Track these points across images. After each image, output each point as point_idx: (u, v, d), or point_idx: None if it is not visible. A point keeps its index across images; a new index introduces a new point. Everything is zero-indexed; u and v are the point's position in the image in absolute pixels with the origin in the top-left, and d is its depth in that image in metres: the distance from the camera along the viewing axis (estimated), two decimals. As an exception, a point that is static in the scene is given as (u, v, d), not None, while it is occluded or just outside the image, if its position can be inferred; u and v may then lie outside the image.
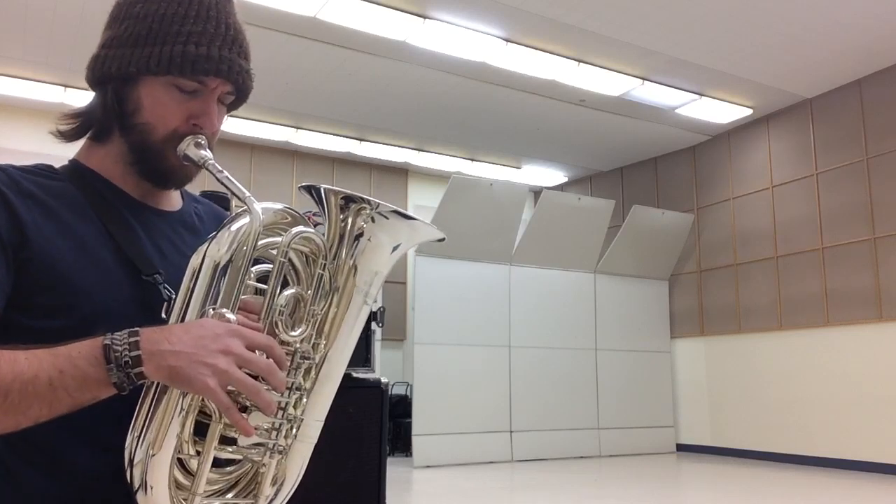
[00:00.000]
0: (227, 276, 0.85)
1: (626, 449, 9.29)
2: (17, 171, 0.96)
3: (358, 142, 10.10)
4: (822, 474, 7.45)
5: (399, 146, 10.36)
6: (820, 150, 8.41)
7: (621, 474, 7.89)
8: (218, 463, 0.84)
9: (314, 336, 0.87)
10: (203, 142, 0.97)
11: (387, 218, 0.87)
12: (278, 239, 0.87)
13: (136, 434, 0.80)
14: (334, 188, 0.89)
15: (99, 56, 0.99)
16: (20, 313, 0.87)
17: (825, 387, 7.97)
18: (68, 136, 1.05)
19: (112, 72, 0.97)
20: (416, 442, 7.98)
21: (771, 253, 8.80)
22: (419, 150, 10.49)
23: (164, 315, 0.88)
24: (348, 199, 0.87)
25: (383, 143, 10.25)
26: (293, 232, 0.87)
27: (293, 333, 0.86)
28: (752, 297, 8.98)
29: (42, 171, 1.00)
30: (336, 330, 0.88)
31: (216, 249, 0.84)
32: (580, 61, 7.53)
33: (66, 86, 8.31)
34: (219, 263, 0.84)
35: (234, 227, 0.86)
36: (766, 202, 8.94)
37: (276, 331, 0.85)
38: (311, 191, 0.90)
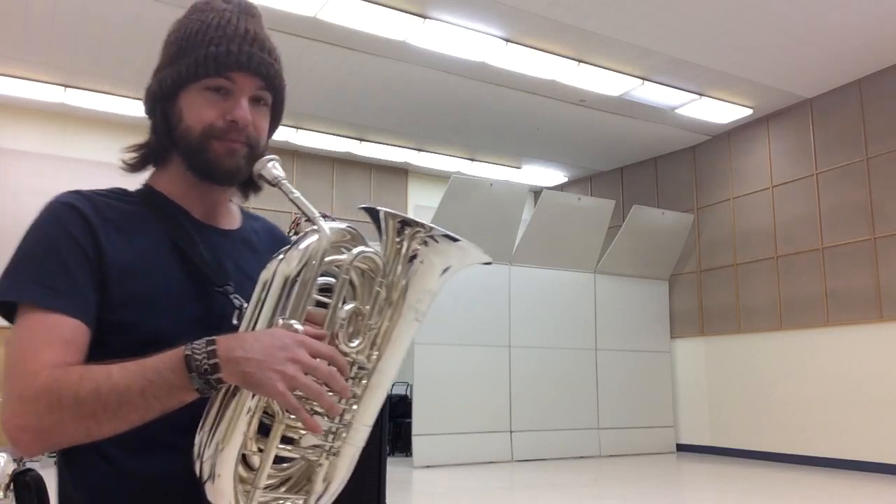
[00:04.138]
0: (295, 290, 0.91)
1: (626, 449, 9.29)
2: (96, 196, 1.05)
3: (358, 142, 10.10)
4: (822, 474, 7.45)
5: (399, 146, 10.36)
6: (820, 150, 8.41)
7: (621, 474, 7.89)
8: (275, 460, 0.91)
9: (369, 347, 0.94)
10: (278, 163, 1.03)
11: (438, 242, 0.93)
12: (342, 257, 0.95)
13: (205, 431, 0.88)
14: (392, 212, 0.95)
15: (149, 86, 1.11)
16: (99, 330, 0.97)
17: (825, 387, 7.97)
18: (133, 167, 1.12)
19: (156, 94, 1.08)
20: (416, 442, 7.98)
21: (771, 253, 8.80)
22: (419, 150, 10.49)
23: (235, 321, 0.98)
24: (404, 223, 0.94)
25: (383, 143, 10.25)
26: (356, 252, 0.94)
27: (351, 345, 0.93)
28: (752, 297, 8.98)
29: (117, 195, 1.08)
30: (388, 343, 0.95)
31: (287, 265, 0.92)
32: (580, 61, 7.53)
33: (66, 86, 8.31)
34: (288, 278, 0.91)
35: (304, 245, 0.93)
36: (766, 202, 8.94)
37: (337, 342, 0.92)
38: (370, 213, 0.97)
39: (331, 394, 0.88)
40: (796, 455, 8.18)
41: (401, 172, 11.31)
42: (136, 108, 8.87)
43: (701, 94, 8.36)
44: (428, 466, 7.93)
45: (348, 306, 0.94)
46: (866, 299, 7.72)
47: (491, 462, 8.35)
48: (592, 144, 10.12)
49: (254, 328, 0.91)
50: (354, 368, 0.93)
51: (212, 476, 0.87)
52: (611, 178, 11.30)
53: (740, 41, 7.10)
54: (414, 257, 0.94)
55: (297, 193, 0.98)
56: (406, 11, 6.51)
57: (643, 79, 7.92)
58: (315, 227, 0.94)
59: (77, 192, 1.05)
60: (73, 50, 7.40)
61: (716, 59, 7.47)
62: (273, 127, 1.15)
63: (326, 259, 0.94)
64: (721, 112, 8.84)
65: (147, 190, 1.12)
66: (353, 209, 10.69)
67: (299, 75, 7.77)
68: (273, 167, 1.03)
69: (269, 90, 1.09)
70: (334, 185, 10.72)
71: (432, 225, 0.92)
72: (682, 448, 9.64)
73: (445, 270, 0.96)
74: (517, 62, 7.49)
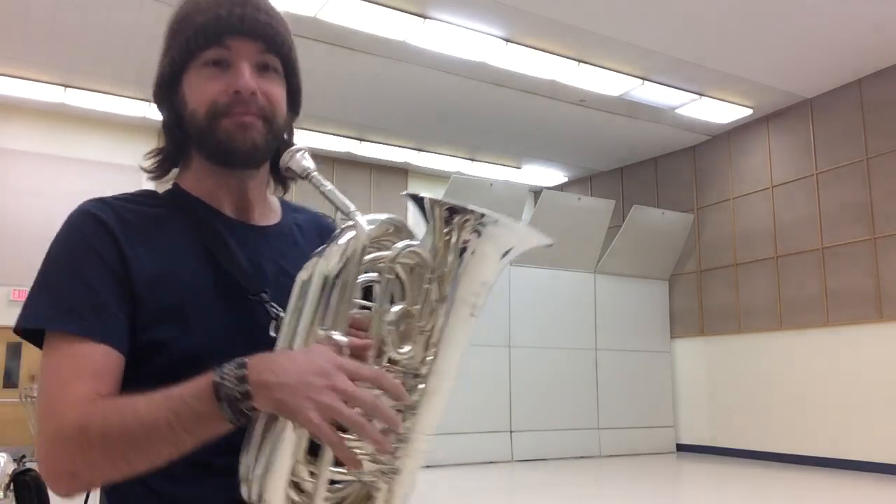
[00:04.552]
0: (335, 293, 0.83)
1: (626, 449, 9.29)
2: (119, 202, 0.97)
3: (358, 142, 10.10)
4: (822, 474, 7.45)
5: (399, 146, 10.36)
6: (820, 150, 8.41)
7: (621, 474, 7.89)
8: (330, 480, 0.84)
9: (423, 350, 0.85)
10: (308, 153, 0.93)
11: (492, 228, 0.83)
12: (385, 253, 0.86)
13: (251, 452, 0.80)
14: (439, 199, 0.84)
15: (154, 81, 1.03)
16: (133, 351, 0.89)
17: (825, 387, 7.97)
18: (156, 173, 1.04)
19: (159, 85, 1.01)
20: (416, 442, 7.97)
21: (771, 253, 8.80)
22: (419, 150, 10.49)
23: (272, 333, 0.88)
24: (453, 211, 0.84)
25: (383, 143, 10.25)
26: (399, 246, 0.85)
27: (402, 350, 0.84)
28: (752, 297, 8.98)
29: (142, 199, 1.00)
30: (443, 343, 0.86)
31: (324, 265, 0.83)
32: (580, 61, 7.53)
33: (66, 86, 8.31)
34: (327, 281, 0.83)
35: (342, 241, 0.84)
36: (766, 202, 8.94)
37: (385, 348, 0.83)
38: (415, 201, 0.87)
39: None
40: (796, 455, 8.18)
41: (401, 172, 11.31)
42: (136, 108, 8.87)
43: (701, 94, 8.36)
44: (428, 466, 7.91)
45: (396, 308, 0.84)
46: (866, 299, 7.72)
47: (491, 462, 8.35)
48: (592, 144, 10.12)
49: (292, 341, 0.83)
50: (408, 376, 0.84)
51: (261, 501, 0.79)
52: (611, 178, 11.30)
53: (740, 41, 7.10)
54: (465, 247, 0.84)
55: (329, 186, 0.88)
56: (406, 11, 6.51)
57: (643, 79, 7.93)
58: (352, 223, 0.84)
59: (98, 200, 0.96)
60: (73, 50, 7.40)
61: (716, 59, 7.47)
62: (293, 98, 1.03)
63: (368, 257, 0.86)
64: (721, 112, 8.84)
65: (174, 190, 1.03)
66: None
67: (299, 75, 7.77)
68: (302, 157, 0.92)
69: (274, 53, 0.99)
70: (334, 184, 10.68)
71: (484, 210, 0.82)
72: (682, 448, 9.64)
73: (503, 257, 0.86)
74: (517, 62, 7.49)
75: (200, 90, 0.95)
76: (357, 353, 0.82)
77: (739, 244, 9.24)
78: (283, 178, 1.04)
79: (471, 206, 0.82)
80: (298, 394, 0.74)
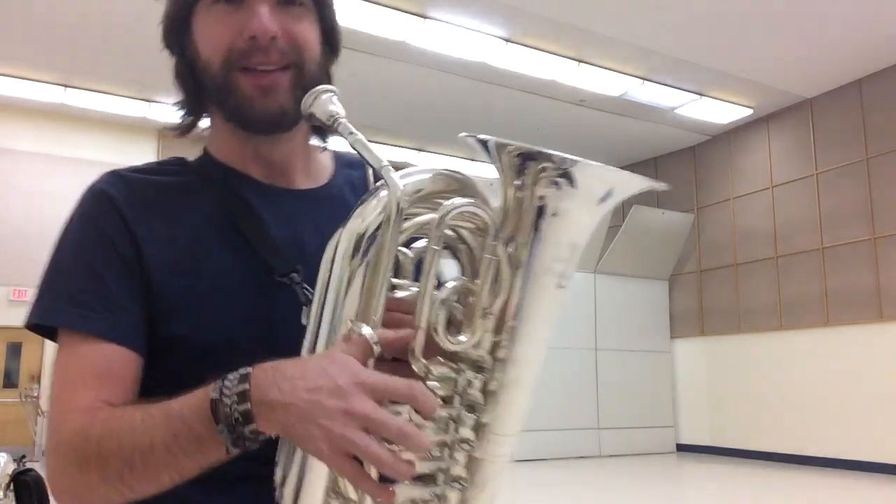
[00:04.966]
0: (361, 272, 0.67)
1: (626, 449, 9.28)
2: (136, 175, 0.84)
3: (358, 142, 10.10)
4: (822, 474, 7.45)
5: (399, 146, 10.36)
6: (820, 150, 8.41)
7: (621, 474, 7.89)
8: None
9: (493, 335, 0.68)
10: (336, 96, 0.75)
11: (579, 177, 0.65)
12: (429, 216, 0.69)
13: (283, 464, 0.68)
14: (506, 141, 0.67)
15: (162, 20, 0.88)
16: (153, 347, 0.79)
17: (825, 387, 7.97)
18: (176, 130, 0.89)
19: (166, 26, 0.86)
20: (416, 442, 7.97)
21: (771, 253, 8.80)
22: (419, 150, 10.49)
23: (304, 321, 0.73)
24: (525, 157, 0.66)
25: (383, 143, 10.25)
26: (447, 206, 0.67)
27: (460, 339, 0.67)
28: (752, 297, 8.98)
29: (167, 168, 0.87)
30: (521, 323, 0.68)
31: (348, 238, 0.68)
32: (580, 61, 7.53)
33: (66, 86, 8.31)
34: (353, 256, 0.68)
35: (370, 206, 0.69)
36: (766, 202, 8.94)
37: (437, 336, 0.66)
38: (481, 144, 0.68)
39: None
40: (796, 455, 8.18)
41: (401, 172, 11.31)
42: (136, 108, 8.87)
43: (701, 94, 8.36)
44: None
45: (451, 284, 0.68)
46: (866, 299, 7.72)
47: (491, 462, 8.34)
48: (592, 144, 10.12)
49: (316, 336, 0.69)
50: (467, 373, 0.67)
51: None
52: (611, 178, 11.29)
53: (740, 41, 7.10)
54: (543, 204, 0.66)
55: (359, 136, 0.72)
56: (406, 11, 6.51)
57: (643, 79, 7.93)
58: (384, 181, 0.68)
59: (113, 174, 0.83)
60: (73, 50, 7.40)
61: (716, 59, 7.47)
62: (328, 37, 0.86)
63: (414, 222, 0.70)
64: (721, 112, 8.84)
65: (202, 155, 0.90)
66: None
67: (299, 75, 7.78)
68: (328, 101, 0.74)
69: None
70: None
71: (565, 155, 0.64)
72: (681, 448, 9.64)
73: (595, 209, 0.68)
74: (517, 62, 7.49)
75: (211, 35, 0.80)
76: (396, 347, 0.66)
77: (739, 244, 9.24)
78: (320, 127, 0.84)
79: (548, 151, 0.65)
80: (307, 418, 0.59)
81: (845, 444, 7.70)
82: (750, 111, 8.84)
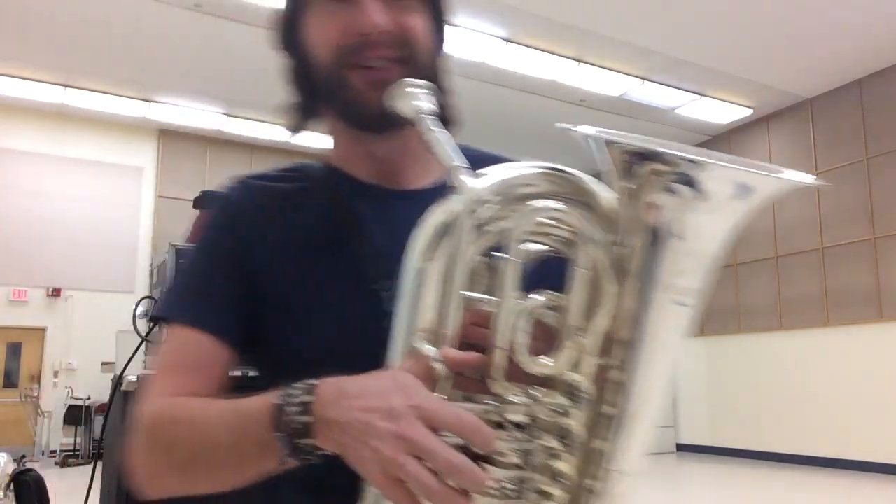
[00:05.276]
0: (431, 282, 0.61)
1: (626, 449, 9.28)
2: (258, 181, 0.87)
3: (358, 142, 10.11)
4: (822, 474, 7.45)
5: (399, 146, 10.37)
6: (820, 150, 8.41)
7: (621, 474, 7.88)
8: None
9: (594, 358, 0.60)
10: (420, 91, 0.71)
11: (703, 181, 0.54)
12: (510, 223, 0.62)
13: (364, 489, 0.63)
14: (612, 137, 0.58)
15: (275, 19, 0.88)
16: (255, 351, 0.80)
17: (825, 387, 7.97)
18: (290, 129, 0.89)
19: (278, 24, 0.85)
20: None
21: (771, 253, 8.80)
22: (419, 150, 10.50)
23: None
24: (638, 156, 0.57)
25: (383, 143, 10.26)
26: (529, 210, 0.60)
27: (545, 361, 0.59)
28: (752, 297, 8.98)
29: (289, 173, 0.89)
30: (633, 346, 0.59)
31: (419, 245, 0.63)
32: (580, 61, 7.53)
33: (66, 86, 8.31)
34: (423, 267, 0.62)
35: (441, 210, 0.64)
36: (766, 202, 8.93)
37: (518, 357, 0.59)
38: (581, 137, 0.61)
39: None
40: (796, 455, 8.18)
41: (401, 172, 11.31)
42: (136, 108, 8.87)
43: (701, 94, 8.36)
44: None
45: (537, 300, 0.60)
46: (866, 299, 7.72)
47: (491, 462, 8.34)
48: (592, 144, 10.13)
49: (392, 351, 0.65)
50: (556, 398, 0.59)
51: None
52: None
53: (740, 41, 7.11)
54: (657, 216, 0.56)
55: (436, 133, 0.67)
56: (406, 11, 6.51)
57: (643, 79, 7.93)
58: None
59: (239, 180, 0.87)
60: (72, 50, 7.40)
61: (716, 59, 7.47)
62: (440, 31, 0.84)
63: (498, 227, 0.61)
64: (721, 112, 8.84)
65: (323, 160, 0.90)
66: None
67: (299, 75, 7.78)
68: (413, 95, 0.70)
69: None
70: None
71: (686, 154, 0.54)
72: (682, 448, 9.64)
73: (726, 215, 0.57)
74: (517, 62, 7.50)
75: (322, 32, 0.79)
76: (470, 367, 0.60)
77: (739, 244, 9.23)
78: (442, 121, 0.78)
79: (663, 149, 0.55)
80: (360, 439, 0.56)
81: (845, 444, 7.70)
82: (750, 111, 8.84)
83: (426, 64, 0.80)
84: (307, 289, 0.79)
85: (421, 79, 0.74)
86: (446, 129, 0.73)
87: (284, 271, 0.80)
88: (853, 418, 7.65)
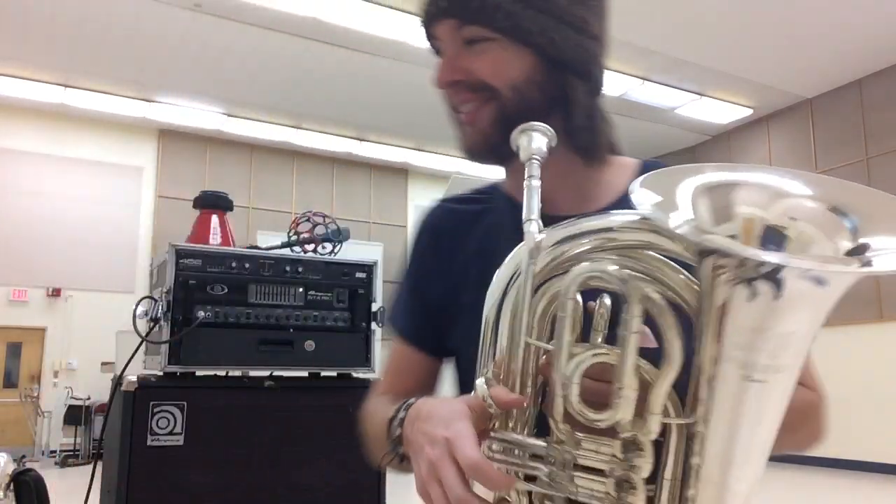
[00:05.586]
0: (502, 327, 0.65)
1: (626, 449, 9.28)
2: (447, 204, 1.00)
3: (358, 142, 10.10)
4: (823, 474, 7.45)
5: (399, 146, 10.36)
6: (820, 150, 8.41)
7: (621, 474, 7.88)
8: None
9: (657, 418, 0.58)
10: (536, 132, 0.72)
11: (778, 283, 0.54)
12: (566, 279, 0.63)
13: None
14: (676, 230, 0.54)
15: None
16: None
17: (825, 387, 7.97)
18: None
19: None
20: (416, 442, 7.96)
21: (771, 253, 8.80)
22: (419, 149, 10.49)
23: None
24: (705, 254, 0.55)
25: (383, 143, 10.25)
26: (576, 272, 0.60)
27: (598, 414, 0.59)
28: (752, 297, 8.98)
29: (476, 196, 0.99)
30: (708, 418, 0.57)
31: (493, 289, 0.66)
32: (580, 61, 7.53)
33: (66, 86, 8.31)
34: (495, 307, 0.66)
35: (508, 264, 0.66)
36: (766, 202, 8.94)
37: (568, 404, 0.60)
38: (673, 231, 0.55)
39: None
40: (796, 455, 8.18)
41: (401, 172, 11.31)
42: (136, 108, 8.87)
43: (701, 94, 8.36)
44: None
45: (581, 355, 0.60)
46: (866, 299, 7.72)
47: (491, 462, 8.34)
48: (592, 144, 10.13)
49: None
50: (600, 450, 0.60)
51: None
52: (611, 178, 11.30)
53: (740, 41, 7.11)
54: (720, 301, 0.55)
55: (533, 182, 0.68)
56: (406, 11, 6.51)
57: (643, 79, 7.93)
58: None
59: (437, 203, 1.00)
60: (72, 50, 7.40)
61: (716, 59, 7.47)
62: (546, 53, 0.82)
63: (583, 274, 0.60)
64: (721, 112, 8.84)
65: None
66: (353, 209, 10.69)
67: (299, 75, 7.77)
68: (529, 138, 0.71)
69: (472, 23, 0.81)
70: (334, 184, 10.72)
71: (755, 255, 0.52)
72: (682, 448, 9.64)
73: (811, 305, 0.58)
74: (517, 62, 7.50)
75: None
76: (513, 407, 0.63)
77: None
78: (583, 146, 0.85)
79: (726, 247, 0.52)
80: (415, 456, 0.64)
81: (845, 444, 7.70)
82: (750, 111, 8.84)
83: (514, 92, 0.82)
84: (467, 310, 0.85)
85: (512, 111, 0.80)
86: (585, 146, 0.84)
87: (457, 292, 0.90)
88: (854, 418, 7.65)
